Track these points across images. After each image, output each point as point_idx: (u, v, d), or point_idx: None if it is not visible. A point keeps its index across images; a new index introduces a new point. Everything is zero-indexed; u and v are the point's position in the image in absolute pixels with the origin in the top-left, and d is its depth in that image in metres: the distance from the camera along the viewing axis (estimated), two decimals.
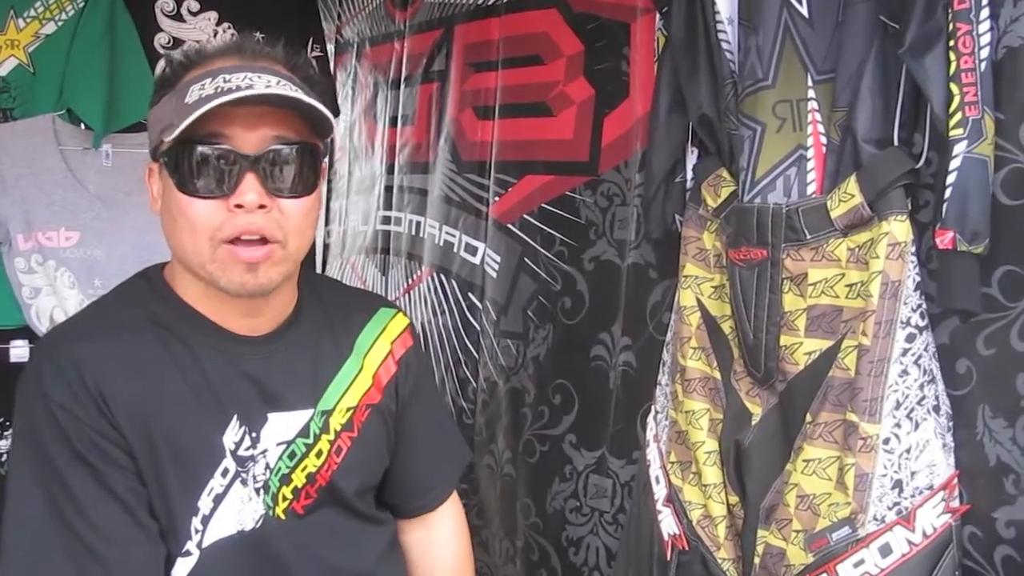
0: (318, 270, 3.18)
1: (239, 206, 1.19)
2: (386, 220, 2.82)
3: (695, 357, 1.64)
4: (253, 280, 1.23)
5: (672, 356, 1.69)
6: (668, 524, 1.66)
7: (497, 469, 2.29)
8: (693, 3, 1.60)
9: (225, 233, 1.20)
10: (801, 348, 1.46)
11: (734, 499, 1.59)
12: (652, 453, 1.72)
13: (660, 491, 1.68)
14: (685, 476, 1.64)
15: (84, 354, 1.23)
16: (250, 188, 1.19)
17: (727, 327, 1.59)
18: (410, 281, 2.65)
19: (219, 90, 1.18)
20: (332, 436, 1.37)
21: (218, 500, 1.28)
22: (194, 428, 1.27)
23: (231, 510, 1.29)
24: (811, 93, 1.46)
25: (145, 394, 1.24)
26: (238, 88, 1.17)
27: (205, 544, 1.27)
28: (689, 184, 1.72)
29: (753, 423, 1.55)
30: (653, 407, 1.75)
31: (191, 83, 1.21)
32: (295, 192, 1.23)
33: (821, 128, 1.45)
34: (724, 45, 1.55)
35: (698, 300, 1.64)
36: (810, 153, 1.46)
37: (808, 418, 1.44)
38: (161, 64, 2.63)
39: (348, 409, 1.39)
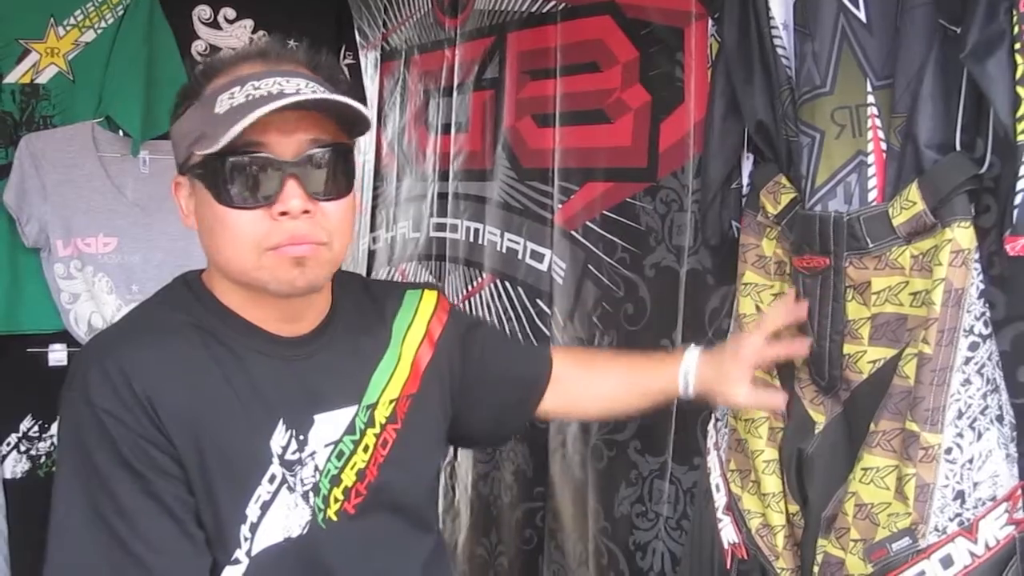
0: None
1: (284, 213, 1.21)
2: (440, 227, 2.85)
3: None
4: (302, 277, 1.24)
5: None
6: (728, 533, 1.67)
7: (568, 473, 2.32)
8: (746, 9, 1.60)
9: (272, 241, 1.21)
10: (865, 356, 1.46)
11: (794, 508, 1.60)
12: (712, 461, 1.73)
13: (720, 499, 1.70)
14: (744, 485, 1.66)
15: (131, 360, 1.23)
16: (293, 194, 1.20)
17: (787, 334, 1.58)
18: (470, 288, 2.69)
19: (250, 98, 1.18)
20: (377, 429, 1.38)
21: (265, 507, 1.28)
22: (242, 434, 1.27)
23: (278, 517, 1.30)
24: (870, 99, 1.46)
25: (192, 400, 1.24)
26: (270, 95, 1.18)
27: (254, 552, 1.28)
28: (745, 190, 1.72)
29: (816, 431, 1.55)
30: (713, 415, 1.76)
31: (218, 92, 1.22)
32: (334, 194, 1.25)
33: (881, 134, 1.45)
34: (780, 51, 1.56)
35: (758, 308, 1.65)
36: (870, 159, 1.46)
37: (872, 427, 1.45)
38: None
39: (391, 401, 1.41)
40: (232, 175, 1.20)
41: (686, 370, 1.58)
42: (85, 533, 1.20)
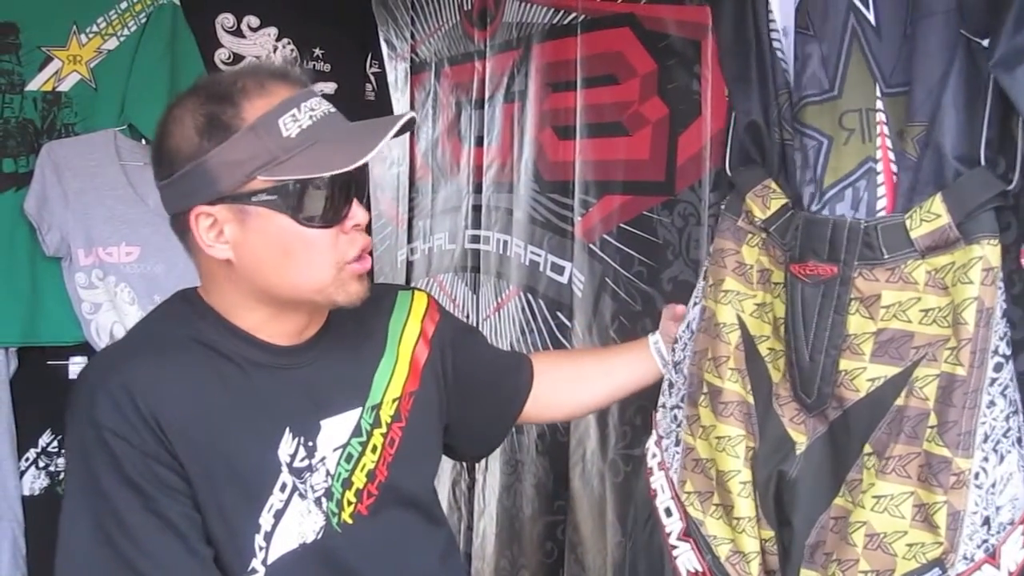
0: None
1: (357, 226, 1.27)
2: (475, 239, 2.86)
3: (733, 379, 1.54)
4: (364, 289, 1.30)
5: (695, 376, 1.60)
6: (688, 560, 1.56)
7: (588, 487, 2.30)
8: (743, 9, 1.54)
9: (351, 255, 1.27)
10: (864, 374, 1.38)
11: (768, 534, 1.50)
12: (659, 482, 1.63)
13: (674, 524, 1.59)
14: (706, 508, 1.55)
15: (135, 378, 1.23)
16: (359, 208, 1.27)
17: (764, 348, 1.52)
18: (499, 300, 2.68)
19: (314, 119, 1.23)
20: (384, 429, 1.41)
21: (279, 516, 1.30)
22: (249, 446, 1.29)
23: (292, 524, 1.31)
24: (880, 104, 1.40)
25: (198, 415, 1.25)
26: (327, 113, 1.25)
27: (270, 560, 1.29)
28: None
29: (798, 452, 1.46)
30: (655, 432, 1.66)
31: (271, 117, 1.22)
32: (367, 205, 1.33)
33: (889, 142, 1.39)
34: (779, 54, 1.50)
35: (739, 317, 1.55)
36: (879, 167, 1.40)
37: (867, 449, 1.37)
38: None
39: (394, 400, 1.43)
40: (314, 195, 1.23)
41: (657, 347, 1.66)
42: (92, 552, 1.21)
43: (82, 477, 1.23)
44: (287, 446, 1.30)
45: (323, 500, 1.32)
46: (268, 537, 1.28)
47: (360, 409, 1.37)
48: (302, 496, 1.31)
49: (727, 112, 1.67)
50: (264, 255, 1.26)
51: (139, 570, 1.20)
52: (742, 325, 1.54)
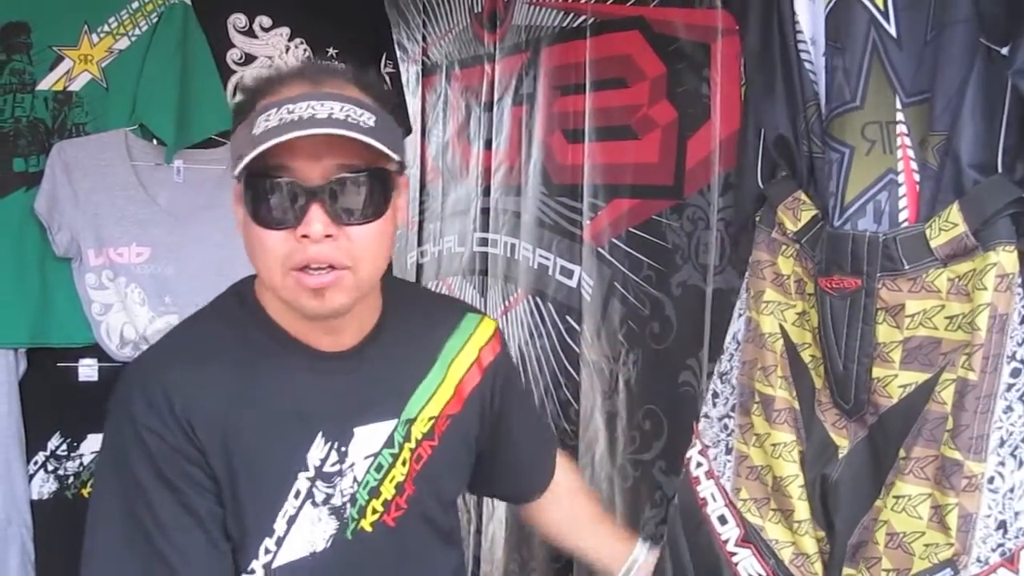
0: None
1: (306, 236, 1.22)
2: (483, 242, 2.84)
3: (782, 387, 1.56)
4: (320, 306, 1.25)
5: (746, 386, 1.61)
6: (749, 566, 1.57)
7: (596, 491, 2.26)
8: (770, 19, 1.55)
9: (294, 262, 1.23)
10: (895, 380, 1.40)
11: (820, 535, 1.52)
12: (709, 491, 1.63)
13: (730, 531, 1.60)
14: (763, 513, 1.56)
15: (173, 380, 1.28)
16: (315, 219, 1.21)
17: (807, 355, 1.53)
18: (506, 303, 2.67)
19: (282, 122, 1.20)
20: (413, 444, 1.40)
21: (291, 522, 1.32)
22: (275, 449, 1.31)
23: (304, 530, 1.32)
24: (900, 116, 1.40)
25: (230, 417, 1.29)
26: (300, 120, 1.20)
27: (276, 564, 1.32)
28: None
29: (840, 456, 1.48)
30: (698, 443, 1.67)
31: (260, 112, 1.24)
32: (362, 219, 1.25)
33: (911, 153, 1.39)
34: (807, 65, 1.50)
35: (780, 327, 1.57)
36: (901, 178, 1.40)
37: (902, 453, 1.38)
38: (233, 82, 2.69)
39: (430, 418, 1.42)
40: (262, 196, 1.23)
41: (632, 564, 1.67)
42: (122, 540, 1.26)
43: (116, 469, 1.28)
44: (318, 450, 1.32)
45: (346, 507, 1.34)
46: (280, 542, 1.30)
47: (395, 421, 1.38)
48: (314, 504, 1.32)
49: (742, 120, 1.67)
50: (244, 241, 1.29)
51: (168, 560, 1.25)
52: (784, 334, 1.56)
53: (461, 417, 1.45)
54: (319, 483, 1.32)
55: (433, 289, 3.14)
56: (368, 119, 1.22)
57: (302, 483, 1.31)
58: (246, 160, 1.18)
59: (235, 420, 1.28)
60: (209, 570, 1.28)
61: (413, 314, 1.46)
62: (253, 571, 1.31)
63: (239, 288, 1.39)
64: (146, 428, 1.25)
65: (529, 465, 1.66)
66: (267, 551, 1.30)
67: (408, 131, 3.12)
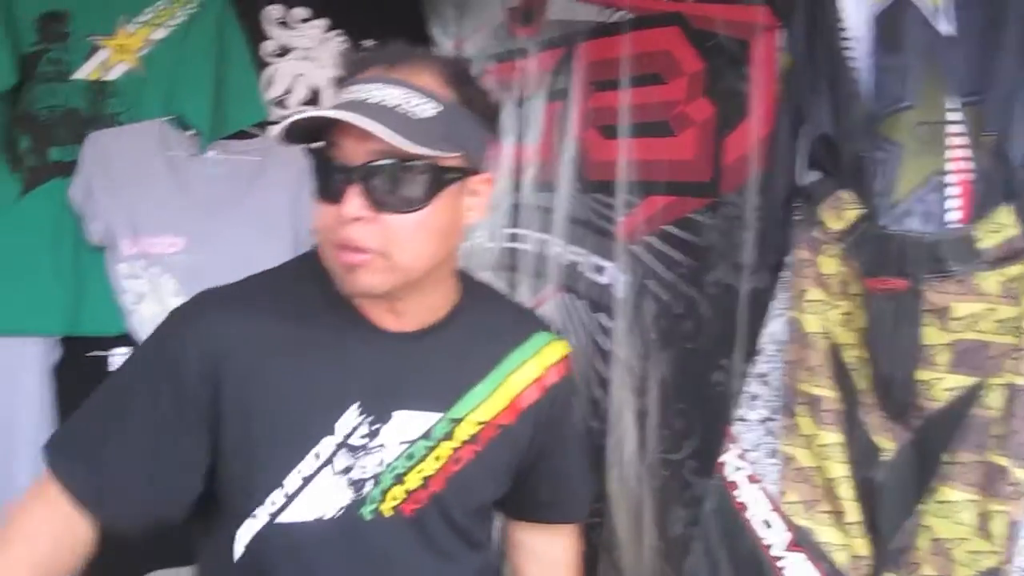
0: None
1: (345, 214, 1.22)
2: (513, 238, 2.76)
3: (828, 387, 1.54)
4: (352, 283, 1.25)
5: (789, 387, 1.59)
6: (801, 571, 1.54)
7: (625, 491, 2.26)
8: (814, 18, 1.54)
9: (332, 237, 1.24)
10: (941, 384, 1.38)
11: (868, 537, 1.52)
12: (753, 495, 1.61)
13: (777, 536, 1.57)
14: (813, 516, 1.54)
15: (219, 326, 1.28)
16: (352, 200, 1.20)
17: (850, 356, 1.51)
18: (536, 300, 2.58)
19: (341, 101, 1.22)
20: (456, 444, 1.38)
21: (307, 481, 1.29)
22: (304, 406, 1.29)
23: (316, 493, 1.30)
24: (953, 116, 1.39)
25: (265, 369, 1.28)
26: (351, 102, 1.21)
27: (280, 520, 1.29)
28: None
29: (884, 459, 1.46)
30: (735, 447, 1.65)
31: (341, 87, 1.28)
32: (398, 208, 1.22)
33: (965, 153, 1.38)
34: (851, 63, 1.49)
35: (824, 326, 1.55)
36: (952, 179, 1.39)
37: (946, 458, 1.37)
38: (268, 73, 2.69)
39: (479, 423, 1.39)
40: (317, 172, 1.25)
41: None
42: (99, 411, 1.30)
43: (133, 358, 1.33)
44: (349, 418, 1.30)
45: (367, 484, 1.31)
46: (290, 498, 1.28)
47: (440, 416, 1.35)
48: (334, 471, 1.30)
49: (776, 117, 1.65)
50: None
51: (108, 449, 1.26)
52: (828, 333, 1.54)
53: (513, 430, 1.42)
54: (342, 452, 1.30)
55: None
56: (426, 109, 1.21)
57: (325, 447, 1.29)
58: (279, 128, 1.20)
59: (270, 372, 1.27)
60: (129, 496, 1.27)
61: (484, 316, 1.43)
62: (256, 516, 1.29)
63: (309, 255, 1.37)
64: (172, 347, 1.27)
65: (561, 495, 1.60)
66: (273, 503, 1.28)
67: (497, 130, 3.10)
